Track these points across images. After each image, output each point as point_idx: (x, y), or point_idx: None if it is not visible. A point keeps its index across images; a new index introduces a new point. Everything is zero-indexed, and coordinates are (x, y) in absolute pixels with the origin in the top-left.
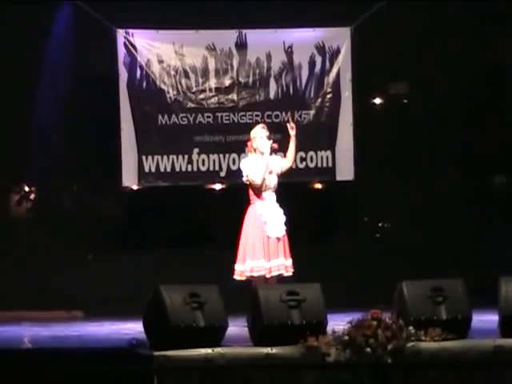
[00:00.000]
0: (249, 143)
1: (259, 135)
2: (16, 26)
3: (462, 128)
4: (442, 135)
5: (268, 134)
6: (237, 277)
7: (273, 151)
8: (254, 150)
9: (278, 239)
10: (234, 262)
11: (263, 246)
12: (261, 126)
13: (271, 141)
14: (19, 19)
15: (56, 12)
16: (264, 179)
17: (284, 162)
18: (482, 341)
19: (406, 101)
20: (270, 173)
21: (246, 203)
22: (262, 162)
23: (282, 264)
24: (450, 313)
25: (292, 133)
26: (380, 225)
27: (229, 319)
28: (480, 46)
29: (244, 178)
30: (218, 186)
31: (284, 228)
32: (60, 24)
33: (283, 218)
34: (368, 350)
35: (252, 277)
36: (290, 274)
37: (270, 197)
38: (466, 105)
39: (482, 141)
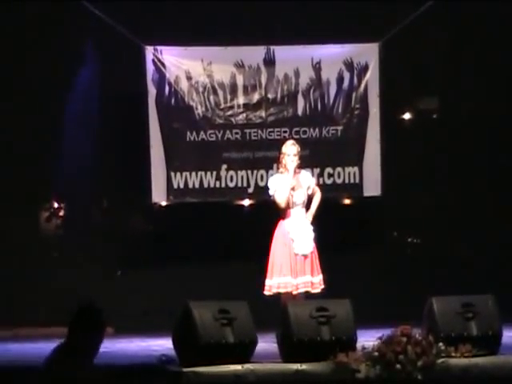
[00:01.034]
0: (281, 157)
1: (288, 152)
2: (48, 40)
3: (491, 142)
4: (470, 150)
5: (298, 150)
6: (266, 292)
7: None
8: (284, 166)
9: (305, 256)
10: (265, 278)
11: (290, 263)
12: (291, 142)
13: (297, 163)
14: (50, 41)
15: (86, 31)
16: (290, 197)
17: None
18: None
19: (434, 116)
20: (296, 189)
21: (275, 219)
22: (287, 181)
23: (309, 281)
24: (481, 329)
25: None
26: (409, 240)
27: (258, 335)
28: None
29: (271, 197)
30: (246, 202)
31: (312, 245)
32: (89, 39)
33: (312, 235)
34: (398, 366)
35: (278, 293)
36: (318, 290)
37: (298, 213)
38: (495, 119)
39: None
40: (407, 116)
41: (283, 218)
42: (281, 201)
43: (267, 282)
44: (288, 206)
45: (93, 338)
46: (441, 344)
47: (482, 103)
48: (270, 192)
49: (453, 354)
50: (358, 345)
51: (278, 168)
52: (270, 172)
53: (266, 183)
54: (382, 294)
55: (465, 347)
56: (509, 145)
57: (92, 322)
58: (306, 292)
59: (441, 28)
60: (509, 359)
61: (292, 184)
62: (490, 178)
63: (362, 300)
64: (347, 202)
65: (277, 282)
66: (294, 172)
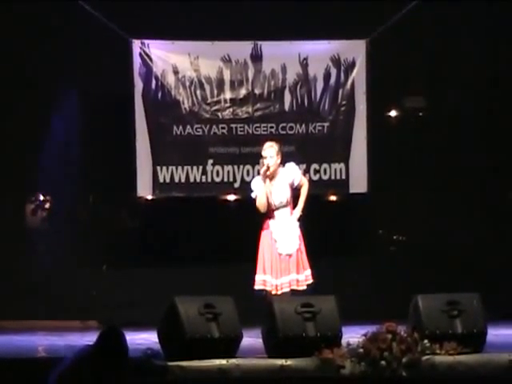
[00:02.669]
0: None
1: (264, 154)
2: (36, 37)
3: (477, 140)
4: (456, 148)
5: (276, 150)
6: (255, 286)
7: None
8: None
9: (290, 255)
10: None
11: (271, 263)
12: (268, 144)
13: (275, 164)
14: (40, 30)
15: (72, 24)
16: (270, 201)
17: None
18: (498, 355)
19: (420, 114)
20: (274, 192)
21: (261, 215)
22: (266, 186)
23: (294, 279)
24: (466, 327)
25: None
26: (394, 237)
27: (243, 331)
28: (494, 56)
29: (252, 195)
30: (232, 197)
31: (297, 242)
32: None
33: (297, 233)
34: (383, 363)
35: (265, 290)
36: (304, 287)
37: (282, 213)
38: (482, 117)
39: (502, 153)
40: (394, 113)
41: (269, 217)
42: (260, 206)
43: (256, 276)
44: (271, 209)
45: (113, 363)
46: (426, 341)
47: (467, 101)
48: (252, 195)
49: (438, 352)
50: (343, 341)
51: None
52: (257, 167)
53: (252, 179)
54: (367, 291)
55: (450, 345)
56: (494, 143)
57: (113, 347)
58: (292, 290)
59: (429, 26)
60: (493, 357)
61: (266, 191)
62: (476, 177)
63: (348, 296)
64: (333, 198)
65: (258, 278)
66: (269, 176)
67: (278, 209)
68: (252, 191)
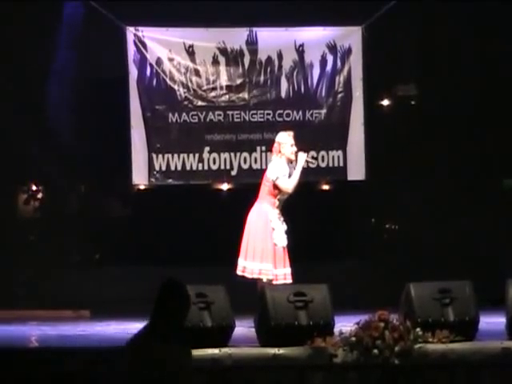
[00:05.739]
0: (275, 146)
1: (289, 143)
2: (25, 24)
3: (474, 128)
4: (452, 136)
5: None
6: (240, 272)
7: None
8: (281, 155)
9: (284, 248)
10: (238, 257)
11: (269, 252)
12: (288, 133)
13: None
14: (28, 18)
15: (64, 10)
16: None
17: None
18: (490, 343)
19: (416, 101)
20: None
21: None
22: (295, 172)
23: (289, 273)
24: (458, 314)
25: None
26: (387, 226)
27: (236, 319)
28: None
29: (273, 178)
30: (225, 186)
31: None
32: (68, 22)
33: (285, 228)
34: (375, 351)
35: (259, 279)
36: (291, 281)
37: (281, 205)
38: (477, 105)
39: (493, 141)
40: (389, 100)
41: (267, 203)
42: (289, 186)
43: (244, 263)
44: (278, 197)
45: (181, 310)
46: (418, 329)
47: (462, 88)
48: (274, 175)
49: (430, 340)
50: (336, 330)
51: (271, 152)
52: (254, 154)
53: (250, 166)
54: (360, 280)
55: (442, 333)
56: (492, 130)
57: (179, 296)
58: (284, 284)
59: (424, 13)
60: (485, 345)
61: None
62: (474, 164)
63: (340, 285)
64: (327, 187)
65: (259, 267)
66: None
67: (280, 199)
68: (272, 171)
